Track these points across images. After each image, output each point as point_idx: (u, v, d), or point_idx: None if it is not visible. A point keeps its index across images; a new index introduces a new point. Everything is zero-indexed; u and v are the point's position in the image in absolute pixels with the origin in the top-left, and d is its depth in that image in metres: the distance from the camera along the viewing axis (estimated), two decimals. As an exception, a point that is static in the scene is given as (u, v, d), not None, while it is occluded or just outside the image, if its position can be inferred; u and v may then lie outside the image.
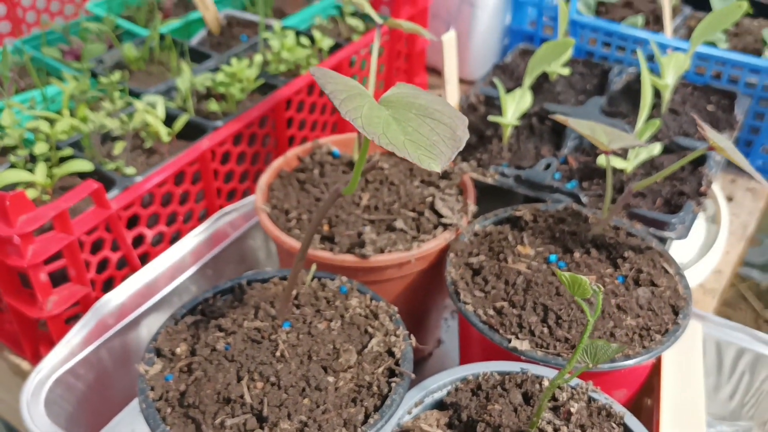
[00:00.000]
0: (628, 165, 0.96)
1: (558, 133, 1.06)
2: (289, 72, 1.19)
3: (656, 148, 0.98)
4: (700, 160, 0.99)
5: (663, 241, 0.86)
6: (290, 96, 1.11)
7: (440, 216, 0.84)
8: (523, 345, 0.69)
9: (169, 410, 0.63)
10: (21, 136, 0.96)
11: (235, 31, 1.35)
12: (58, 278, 0.84)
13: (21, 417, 0.73)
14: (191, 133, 1.02)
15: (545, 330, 0.70)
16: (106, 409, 0.87)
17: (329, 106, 1.22)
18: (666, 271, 0.78)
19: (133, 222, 0.93)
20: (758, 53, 1.31)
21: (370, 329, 0.70)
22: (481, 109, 1.13)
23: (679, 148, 1.03)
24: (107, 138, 1.02)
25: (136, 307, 0.86)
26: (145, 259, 0.95)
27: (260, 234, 1.02)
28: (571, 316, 0.71)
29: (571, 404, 0.62)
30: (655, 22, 1.43)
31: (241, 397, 0.62)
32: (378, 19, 0.89)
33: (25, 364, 0.92)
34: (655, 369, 0.80)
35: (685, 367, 0.79)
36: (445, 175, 0.92)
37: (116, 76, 1.08)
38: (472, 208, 0.87)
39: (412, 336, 0.69)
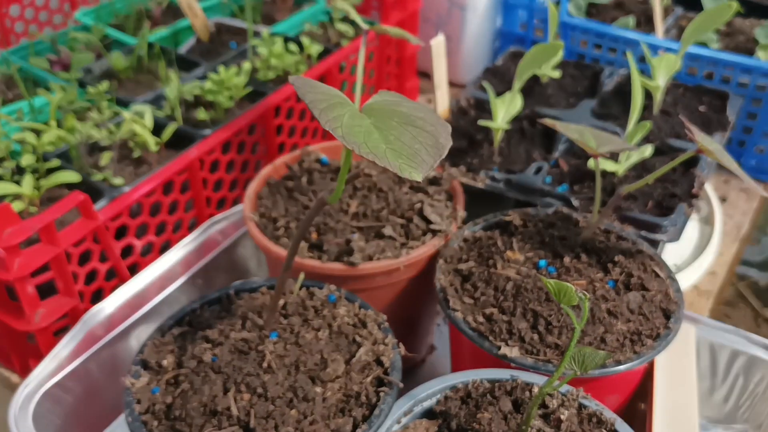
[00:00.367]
0: (619, 167, 0.95)
1: (549, 136, 1.05)
2: (277, 79, 1.18)
3: (647, 150, 0.98)
4: (693, 162, 0.98)
5: (655, 244, 0.85)
6: (279, 103, 1.10)
7: (429, 222, 0.84)
8: (512, 352, 0.68)
9: (155, 423, 0.63)
10: (8, 148, 0.95)
11: (224, 38, 1.34)
12: (47, 290, 0.83)
13: (9, 431, 0.72)
14: (180, 142, 1.01)
15: (535, 336, 0.70)
16: (95, 422, 0.86)
17: (319, 113, 1.21)
18: (657, 275, 0.77)
19: (121, 232, 0.92)
20: (750, 53, 1.31)
21: (358, 338, 0.69)
22: (471, 113, 1.12)
23: (671, 149, 1.02)
24: (95, 148, 1.01)
25: (126, 318, 0.86)
26: (134, 269, 0.94)
27: (250, 243, 1.01)
28: (561, 322, 0.70)
29: (561, 411, 0.61)
30: (646, 22, 1.43)
31: (228, 409, 0.62)
32: (363, 25, 0.89)
33: (14, 377, 0.91)
34: (649, 373, 0.79)
35: (678, 371, 0.78)
36: (435, 180, 0.92)
37: (104, 86, 1.07)
38: (462, 213, 0.86)
39: (401, 344, 0.69)
